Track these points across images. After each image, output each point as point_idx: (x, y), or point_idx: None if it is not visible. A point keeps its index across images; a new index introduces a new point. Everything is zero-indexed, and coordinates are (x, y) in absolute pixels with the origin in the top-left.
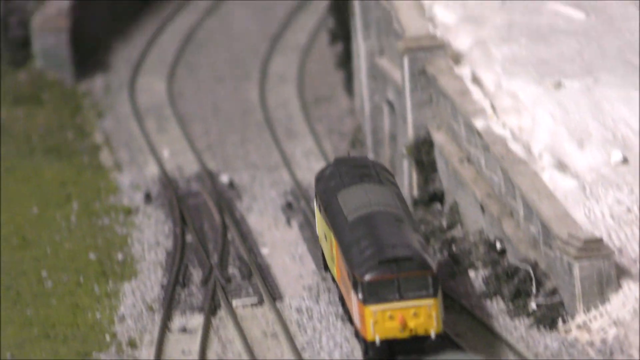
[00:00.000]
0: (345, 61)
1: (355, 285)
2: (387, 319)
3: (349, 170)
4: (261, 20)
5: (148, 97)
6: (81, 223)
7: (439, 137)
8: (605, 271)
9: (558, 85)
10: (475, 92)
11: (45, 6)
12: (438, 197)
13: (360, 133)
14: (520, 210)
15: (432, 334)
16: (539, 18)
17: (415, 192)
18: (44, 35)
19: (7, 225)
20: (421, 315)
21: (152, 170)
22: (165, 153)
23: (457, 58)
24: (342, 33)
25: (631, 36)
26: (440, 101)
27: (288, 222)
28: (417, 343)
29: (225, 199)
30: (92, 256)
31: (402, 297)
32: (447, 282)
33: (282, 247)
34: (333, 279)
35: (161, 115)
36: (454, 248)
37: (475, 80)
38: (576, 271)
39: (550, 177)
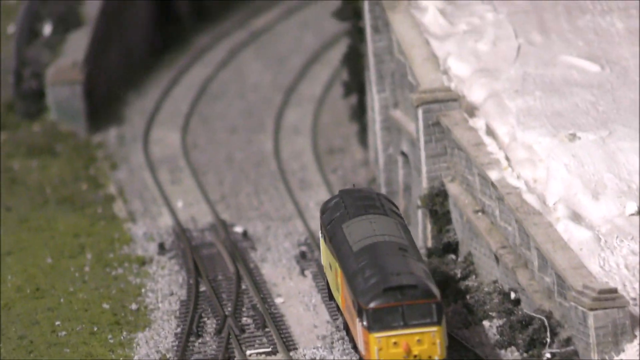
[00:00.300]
0: (359, 113)
1: (360, 313)
2: (391, 346)
3: (354, 202)
4: (275, 72)
5: (162, 148)
6: (95, 273)
7: (454, 189)
8: (620, 321)
9: (572, 137)
10: (490, 144)
11: (59, 58)
12: (452, 247)
13: (374, 184)
14: (535, 260)
15: None
16: (553, 71)
17: (430, 243)
18: (57, 87)
19: (21, 275)
20: (425, 342)
21: (166, 220)
22: (179, 204)
23: (471, 110)
24: (356, 85)
25: None
26: (455, 153)
27: (302, 272)
28: None
29: (239, 250)
30: (105, 306)
31: (406, 325)
32: (461, 332)
33: (296, 297)
34: (338, 308)
35: (175, 167)
36: (468, 298)
37: (490, 132)
38: (591, 321)
39: (565, 228)
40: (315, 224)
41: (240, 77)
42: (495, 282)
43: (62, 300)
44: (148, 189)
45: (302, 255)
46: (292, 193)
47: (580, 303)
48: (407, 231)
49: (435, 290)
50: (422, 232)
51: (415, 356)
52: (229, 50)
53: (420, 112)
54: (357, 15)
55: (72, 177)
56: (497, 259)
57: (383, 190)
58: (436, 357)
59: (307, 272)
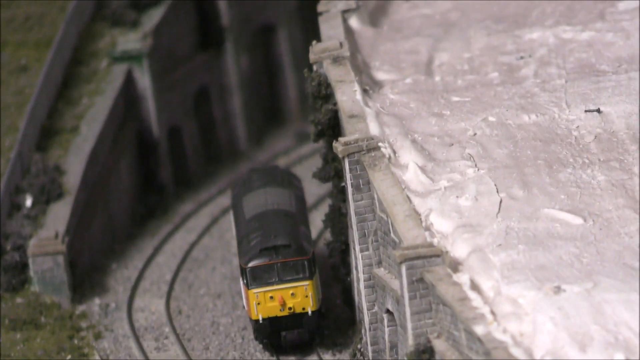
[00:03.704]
0: (343, 273)
1: (241, 273)
2: (268, 300)
3: (257, 178)
4: None
5: (146, 316)
6: None
7: (440, 345)
8: None
9: (557, 290)
10: (475, 298)
11: (41, 230)
12: None
13: (360, 343)
14: None
15: (309, 311)
16: (536, 224)
17: None
18: (40, 259)
19: None
20: (298, 295)
21: None
22: None
23: (455, 265)
24: (338, 246)
25: (630, 240)
26: (440, 309)
27: None
28: (296, 319)
29: None
30: None
31: (280, 280)
32: None
33: None
34: None
35: (160, 334)
36: None
37: (474, 287)
38: None
39: None
40: None
41: (223, 243)
42: None
43: None
44: (133, 357)
45: None
46: (282, 353)
47: None
48: (299, 201)
49: (308, 248)
50: None
51: (290, 308)
52: (211, 216)
53: (403, 268)
54: (338, 175)
55: (56, 348)
56: None
57: (370, 350)
58: (309, 308)
59: None
